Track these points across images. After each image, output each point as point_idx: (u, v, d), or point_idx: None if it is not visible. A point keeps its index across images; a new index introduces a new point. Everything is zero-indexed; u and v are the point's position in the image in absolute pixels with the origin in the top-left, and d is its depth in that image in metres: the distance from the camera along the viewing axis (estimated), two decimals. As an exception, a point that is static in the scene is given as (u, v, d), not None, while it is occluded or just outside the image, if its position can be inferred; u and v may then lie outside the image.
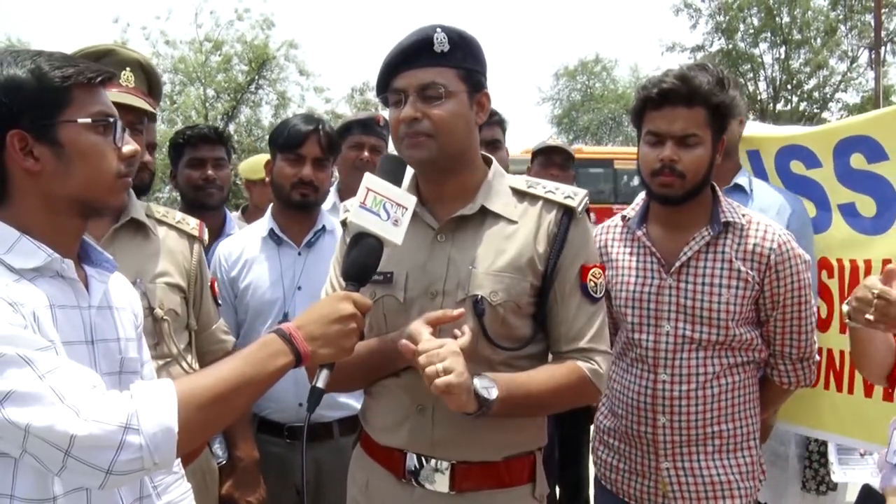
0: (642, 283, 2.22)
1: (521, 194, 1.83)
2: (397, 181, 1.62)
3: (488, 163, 1.89)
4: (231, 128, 20.29)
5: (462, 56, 1.75)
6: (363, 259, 1.56)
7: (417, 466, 1.79)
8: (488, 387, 1.63)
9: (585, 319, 1.79)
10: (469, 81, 1.76)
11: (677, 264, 2.18)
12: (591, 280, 1.79)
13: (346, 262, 1.57)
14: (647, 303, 2.21)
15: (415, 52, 1.73)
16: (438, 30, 1.73)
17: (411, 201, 1.62)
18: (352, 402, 2.69)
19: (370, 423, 1.90)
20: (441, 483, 1.77)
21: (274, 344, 1.37)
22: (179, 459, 1.83)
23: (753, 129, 3.05)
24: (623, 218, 2.35)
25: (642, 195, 2.35)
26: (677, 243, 2.20)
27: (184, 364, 2.08)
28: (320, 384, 1.46)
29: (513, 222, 1.79)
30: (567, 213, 1.79)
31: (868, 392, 2.61)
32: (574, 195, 1.81)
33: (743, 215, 2.21)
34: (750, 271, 2.14)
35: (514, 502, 1.81)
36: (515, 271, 1.75)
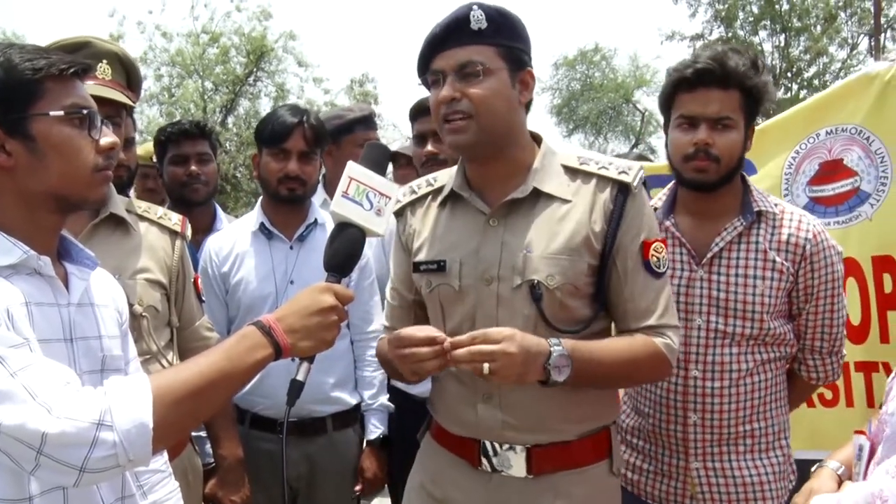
0: (671, 275, 2.11)
1: (573, 172, 1.79)
2: (381, 170, 1.59)
3: (538, 141, 1.85)
4: (230, 120, 20.22)
5: (501, 33, 1.72)
6: (345, 250, 1.52)
7: (492, 453, 1.77)
8: (561, 367, 1.62)
9: (653, 296, 1.77)
10: (509, 59, 1.72)
11: (709, 255, 2.10)
12: (653, 255, 1.76)
13: (328, 252, 1.53)
14: (676, 296, 2.10)
15: (452, 31, 1.71)
16: (475, 7, 1.70)
17: (395, 191, 1.59)
18: (345, 396, 2.67)
19: (439, 412, 1.90)
20: (518, 468, 1.76)
21: (253, 337, 1.35)
22: (167, 458, 1.81)
23: None
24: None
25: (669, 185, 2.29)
26: (708, 234, 2.13)
27: (164, 361, 2.06)
28: (300, 377, 1.45)
29: (566, 202, 1.76)
30: (622, 188, 1.75)
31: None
32: (629, 170, 1.77)
33: (775, 205, 2.14)
34: (785, 262, 2.07)
35: (593, 481, 1.80)
36: (572, 253, 1.72)
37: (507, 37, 1.73)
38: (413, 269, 1.86)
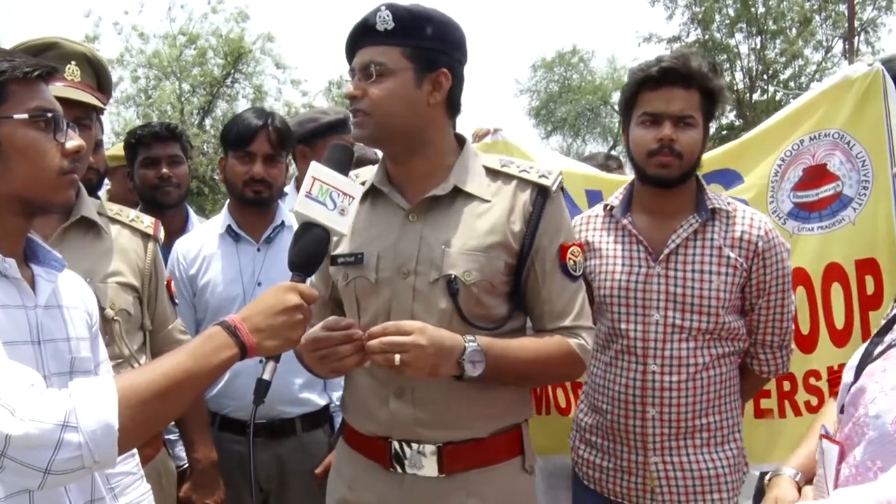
0: (629, 271, 2.19)
1: (494, 173, 1.83)
2: (344, 170, 1.60)
3: (462, 142, 1.88)
4: (207, 122, 20.11)
5: (411, 34, 1.72)
6: (309, 249, 1.53)
7: (402, 453, 1.77)
8: (476, 361, 1.65)
9: (568, 298, 1.81)
10: (417, 59, 1.72)
11: (665, 252, 2.16)
12: (570, 258, 1.80)
13: (293, 252, 1.53)
14: (634, 291, 2.18)
15: (361, 32, 1.75)
16: (383, 7, 1.71)
17: (358, 190, 1.60)
18: (314, 397, 2.68)
19: (350, 411, 1.89)
20: (429, 467, 1.75)
21: (219, 337, 1.35)
22: (138, 460, 1.81)
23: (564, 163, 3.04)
24: (605, 207, 2.32)
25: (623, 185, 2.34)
26: (664, 231, 2.19)
27: (136, 365, 2.03)
28: (266, 376, 1.45)
29: (486, 201, 1.78)
30: (542, 191, 1.79)
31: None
32: (548, 174, 1.80)
33: (728, 203, 2.21)
34: (738, 258, 2.14)
35: (506, 479, 1.81)
36: (489, 250, 1.74)
37: (417, 37, 1.72)
38: (331, 263, 1.86)
